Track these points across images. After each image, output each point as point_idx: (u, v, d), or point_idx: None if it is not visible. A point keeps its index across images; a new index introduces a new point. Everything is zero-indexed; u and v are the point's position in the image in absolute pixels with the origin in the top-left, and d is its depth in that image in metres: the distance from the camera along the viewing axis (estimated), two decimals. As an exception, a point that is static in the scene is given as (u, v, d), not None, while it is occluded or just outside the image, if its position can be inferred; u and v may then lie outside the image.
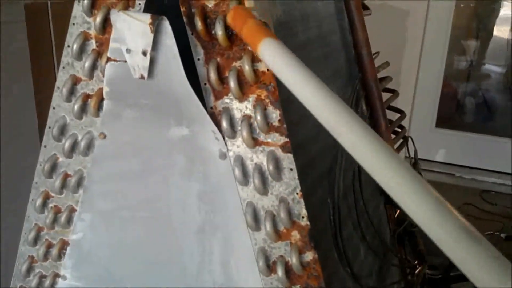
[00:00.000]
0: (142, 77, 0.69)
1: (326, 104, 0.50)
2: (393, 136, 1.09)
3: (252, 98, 0.69)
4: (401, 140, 1.13)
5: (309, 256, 0.71)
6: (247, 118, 0.70)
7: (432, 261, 1.96)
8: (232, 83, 0.68)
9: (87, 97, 0.76)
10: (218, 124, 0.71)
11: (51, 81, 2.00)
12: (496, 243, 2.21)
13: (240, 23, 0.62)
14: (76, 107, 0.76)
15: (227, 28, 0.67)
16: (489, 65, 4.29)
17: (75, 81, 0.76)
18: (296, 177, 0.70)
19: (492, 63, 4.30)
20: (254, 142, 0.70)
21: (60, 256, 0.84)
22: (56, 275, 0.85)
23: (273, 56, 0.56)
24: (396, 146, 1.07)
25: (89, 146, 0.77)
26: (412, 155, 1.12)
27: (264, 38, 0.57)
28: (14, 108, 1.85)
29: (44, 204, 0.83)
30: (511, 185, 3.54)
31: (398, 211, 1.13)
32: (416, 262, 1.09)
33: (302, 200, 0.70)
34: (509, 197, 3.46)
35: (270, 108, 0.69)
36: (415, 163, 1.10)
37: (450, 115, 4.02)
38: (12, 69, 1.82)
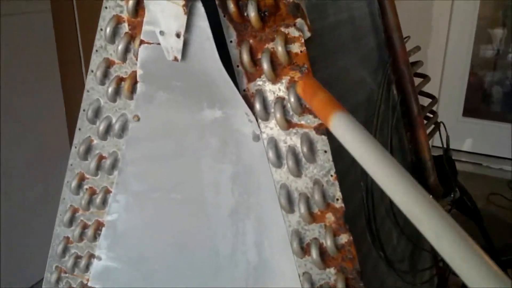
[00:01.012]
0: (175, 59, 0.70)
1: (400, 187, 0.50)
2: (424, 121, 1.08)
3: (285, 80, 0.69)
4: (433, 126, 1.11)
5: (343, 238, 0.71)
6: (280, 100, 0.70)
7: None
8: (265, 65, 0.68)
9: (120, 80, 0.77)
10: (251, 106, 0.71)
11: (77, 70, 2.03)
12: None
13: (310, 95, 0.63)
14: (110, 90, 0.77)
15: (259, 10, 0.67)
16: (517, 53, 4.20)
17: (109, 64, 0.77)
18: (331, 159, 0.70)
19: (520, 52, 4.20)
20: (288, 124, 0.70)
21: (95, 237, 0.85)
22: (91, 256, 0.86)
23: (345, 132, 0.56)
24: (428, 131, 1.06)
25: (123, 128, 0.78)
26: (444, 140, 1.11)
27: (335, 111, 0.58)
28: (42, 100, 1.88)
29: (79, 185, 0.84)
30: (539, 175, 3.47)
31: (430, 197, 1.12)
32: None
33: (336, 183, 0.70)
34: (538, 187, 3.40)
35: (304, 90, 0.68)
36: (447, 149, 1.08)
37: (477, 104, 3.95)
38: (39, 59, 1.85)
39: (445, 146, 1.08)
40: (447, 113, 3.55)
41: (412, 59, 1.11)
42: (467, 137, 3.67)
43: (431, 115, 1.12)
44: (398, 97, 0.99)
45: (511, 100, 3.97)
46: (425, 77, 1.12)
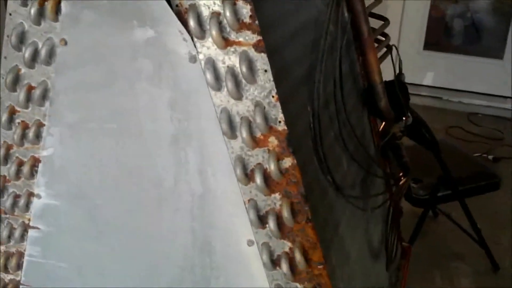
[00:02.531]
0: (98, -28, 0.63)
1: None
2: (376, 45, 1.04)
3: (220, -8, 0.64)
4: (385, 49, 1.08)
5: (287, 162, 0.68)
6: (216, 15, 0.65)
7: (421, 178, 1.97)
8: (198, -24, 0.62)
9: (44, 0, 0.70)
10: (185, 24, 0.65)
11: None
12: (485, 165, 2.21)
13: None
14: (33, 11, 0.70)
15: None
16: (478, -15, 4.18)
17: (30, -17, 0.70)
18: (271, 79, 0.66)
19: (482, -17, 4.19)
20: (225, 42, 0.65)
21: (32, 174, 0.80)
22: (31, 194, 0.82)
23: None
24: (379, 55, 1.03)
25: (51, 54, 0.72)
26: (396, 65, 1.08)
27: None
28: None
29: (11, 119, 0.78)
30: (497, 107, 3.54)
31: (383, 123, 1.10)
32: (400, 174, 1.07)
33: (278, 104, 0.67)
34: (495, 119, 3.47)
35: (240, 3, 0.63)
36: (400, 73, 1.06)
37: (438, 37, 3.95)
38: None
39: (397, 70, 1.05)
40: (408, 46, 3.54)
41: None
42: (428, 71, 3.68)
43: (383, 38, 1.08)
44: (349, 18, 0.95)
45: (472, 33, 3.98)
46: (377, -1, 1.08)
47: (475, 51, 3.78)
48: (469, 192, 2.02)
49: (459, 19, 4.00)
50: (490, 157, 2.92)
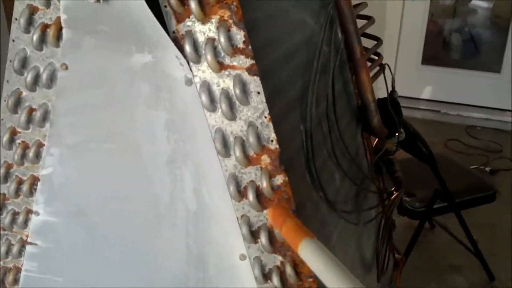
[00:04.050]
0: (97, 0, 0.66)
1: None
2: (369, 64, 1.07)
3: (215, 19, 0.67)
4: (378, 68, 1.11)
5: (279, 179, 0.71)
6: (211, 41, 0.67)
7: (416, 192, 1.98)
8: (193, 4, 0.65)
9: (45, 27, 0.73)
10: (181, 49, 0.68)
11: None
12: (482, 177, 2.22)
13: (279, 222, 0.68)
14: (35, 37, 0.73)
15: None
16: (475, 0, 4.22)
17: (32, 10, 0.73)
18: (264, 100, 0.68)
19: (478, -2, 4.23)
20: (220, 66, 0.68)
21: (31, 192, 0.83)
22: (29, 211, 0.84)
23: (312, 256, 0.61)
24: (372, 73, 1.06)
25: (52, 78, 0.75)
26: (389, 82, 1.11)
27: (303, 238, 0.63)
28: None
29: (12, 140, 0.81)
30: (495, 120, 3.56)
31: (376, 140, 1.13)
32: (393, 188, 1.09)
33: (270, 124, 0.69)
34: (493, 132, 3.49)
35: (234, 29, 0.66)
36: (392, 91, 1.08)
37: (436, 52, 3.98)
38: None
39: (390, 88, 1.08)
40: (406, 61, 3.57)
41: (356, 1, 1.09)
42: (426, 85, 3.70)
43: (376, 57, 1.11)
44: (342, 38, 0.98)
45: (470, 48, 4.01)
46: (370, 19, 1.11)
47: (473, 65, 3.81)
48: (465, 204, 2.03)
49: (457, 33, 4.04)
50: (488, 169, 2.94)
